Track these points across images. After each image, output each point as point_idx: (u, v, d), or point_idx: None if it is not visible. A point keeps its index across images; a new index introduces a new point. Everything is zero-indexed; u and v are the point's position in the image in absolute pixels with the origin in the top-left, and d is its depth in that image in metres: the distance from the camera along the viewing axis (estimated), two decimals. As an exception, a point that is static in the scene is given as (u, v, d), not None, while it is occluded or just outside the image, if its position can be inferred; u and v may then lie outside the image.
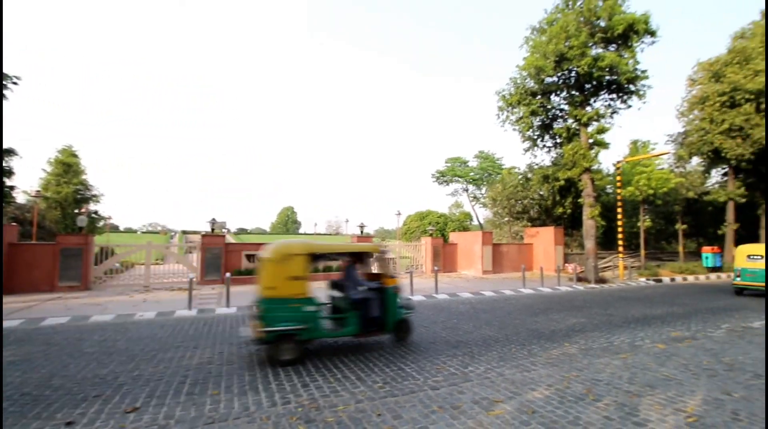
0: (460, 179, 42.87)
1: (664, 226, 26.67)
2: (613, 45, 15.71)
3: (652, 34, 15.19)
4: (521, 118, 17.79)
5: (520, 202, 24.41)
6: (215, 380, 4.73)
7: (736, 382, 4.68)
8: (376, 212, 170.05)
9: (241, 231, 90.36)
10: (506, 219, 25.48)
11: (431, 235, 21.83)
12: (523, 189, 24.06)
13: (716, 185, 26.67)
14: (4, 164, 15.14)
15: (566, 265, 20.08)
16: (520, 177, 25.14)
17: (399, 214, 36.26)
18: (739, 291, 12.75)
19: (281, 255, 5.47)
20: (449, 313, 9.22)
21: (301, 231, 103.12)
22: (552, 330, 7.52)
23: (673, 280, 17.63)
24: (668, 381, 4.70)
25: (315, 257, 5.89)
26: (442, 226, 39.21)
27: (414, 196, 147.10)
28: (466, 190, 43.68)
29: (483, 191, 41.36)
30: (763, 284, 11.60)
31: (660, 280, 17.10)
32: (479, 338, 6.84)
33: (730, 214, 22.88)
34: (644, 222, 22.44)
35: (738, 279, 12.61)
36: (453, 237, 22.14)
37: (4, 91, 12.65)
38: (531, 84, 17.26)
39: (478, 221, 42.89)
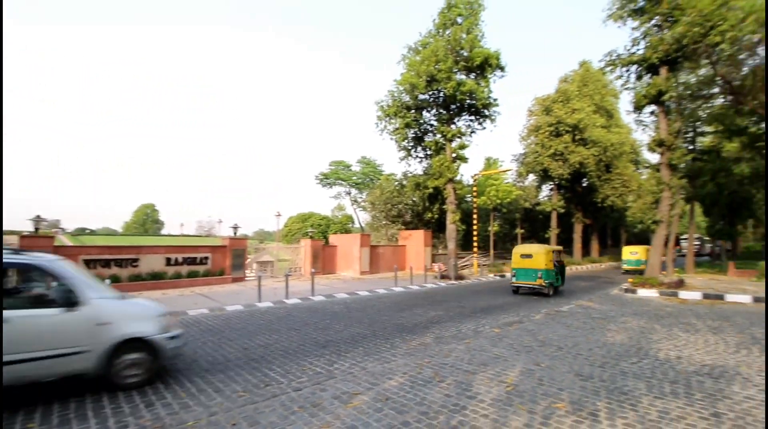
0: (343, 182, 43.64)
1: (509, 230, 31.78)
2: (473, 74, 18.13)
3: (502, 68, 18.04)
4: (397, 129, 19.12)
5: (396, 206, 26.10)
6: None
7: (545, 355, 5.89)
8: (256, 213, 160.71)
9: (80, 231, 74.90)
10: (383, 222, 26.90)
11: (312, 237, 21.71)
12: (398, 194, 25.79)
13: (545, 198, 33.01)
14: None
15: (433, 264, 22.23)
16: (396, 183, 26.91)
17: (279, 215, 35.00)
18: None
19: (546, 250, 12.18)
20: (323, 314, 9.33)
21: (163, 231, 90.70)
22: (414, 323, 8.27)
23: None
24: (497, 359, 5.65)
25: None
26: (324, 229, 39.19)
27: (297, 198, 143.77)
28: (349, 194, 44.65)
29: (364, 195, 42.90)
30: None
31: (503, 276, 20.27)
32: (348, 336, 7.11)
33: (553, 220, 28.52)
34: (493, 226, 26.35)
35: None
36: (333, 239, 22.42)
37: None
38: (406, 98, 18.71)
39: (359, 224, 44.22)
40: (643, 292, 13.00)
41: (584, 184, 29.50)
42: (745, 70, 13.90)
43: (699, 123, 19.09)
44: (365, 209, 30.85)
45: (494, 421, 3.63)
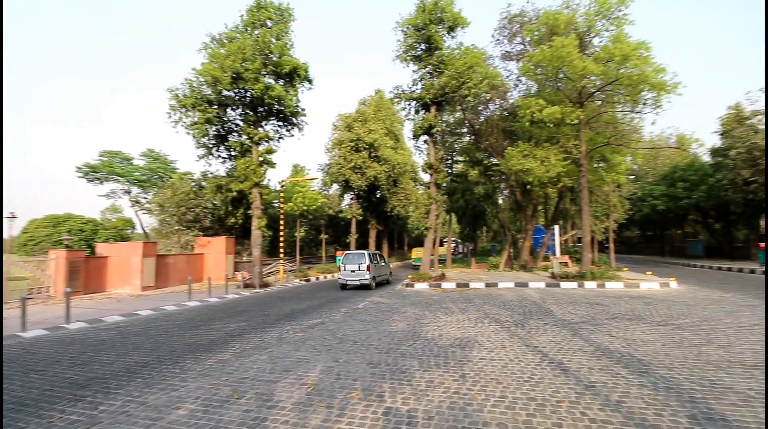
0: (120, 178, 35.81)
1: (314, 236, 33.10)
2: (282, 80, 18.16)
3: (310, 81, 18.77)
4: (196, 123, 17.13)
5: (192, 210, 23.19)
6: None
7: (342, 351, 6.40)
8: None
9: None
10: (176, 227, 23.46)
11: (69, 246, 16.79)
12: (196, 197, 23.03)
13: (347, 206, 36.03)
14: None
15: (236, 273, 20.84)
16: (193, 184, 23.97)
17: (13, 217, 25.70)
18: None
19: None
20: (83, 346, 7.35)
21: None
22: (211, 339, 7.55)
23: (317, 278, 22.07)
24: (300, 362, 5.80)
25: None
26: (89, 235, 31.08)
27: (44, 196, 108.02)
28: (129, 193, 37.00)
29: (150, 195, 36.36)
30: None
31: (309, 280, 20.93)
32: (122, 368, 5.85)
33: (353, 227, 31.39)
34: (300, 232, 26.91)
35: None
36: (102, 248, 17.99)
37: None
38: (208, 92, 17.02)
39: (143, 229, 37.18)
40: (418, 286, 15.85)
41: (378, 196, 33.75)
42: (482, 118, 19.13)
43: (454, 153, 24.97)
44: (151, 212, 26.12)
45: (294, 426, 3.71)
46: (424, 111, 18.50)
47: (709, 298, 11.40)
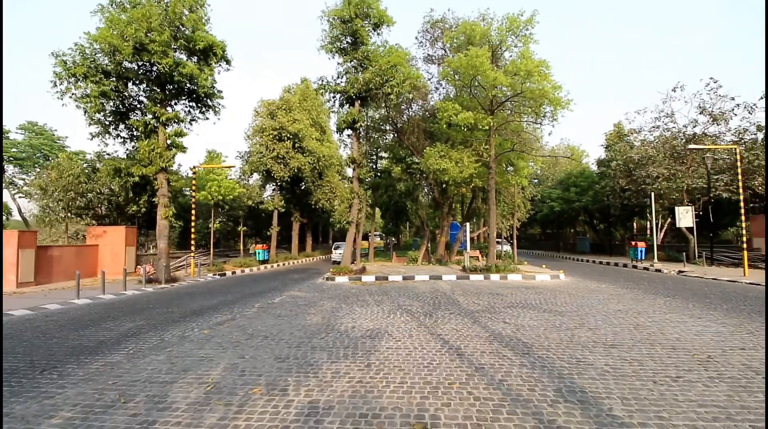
0: (-14, 155, 29.92)
1: (232, 228, 31.28)
2: (195, 57, 16.74)
3: (228, 62, 17.59)
4: (89, 95, 15.03)
5: (84, 195, 20.39)
6: None
7: (250, 347, 6.23)
8: None
9: None
10: (62, 215, 20.45)
11: None
12: (88, 180, 20.29)
13: (269, 197, 34.63)
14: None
15: (138, 267, 18.87)
16: (85, 165, 21.08)
17: None
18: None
19: None
20: (-75, 355, 6.11)
21: None
22: (100, 341, 6.80)
23: (234, 273, 20.94)
24: (202, 360, 5.52)
25: None
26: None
27: None
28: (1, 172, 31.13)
29: (31, 177, 31.19)
30: None
31: (224, 274, 19.78)
32: (-21, 378, 5.01)
33: (275, 219, 30.33)
34: (215, 224, 25.24)
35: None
36: (-41, 239, 14.95)
37: None
38: (105, 61, 15.03)
39: (21, 216, 31.83)
40: (339, 279, 15.95)
41: (302, 188, 32.99)
42: (405, 117, 19.76)
43: (379, 149, 25.45)
44: (31, 197, 22.41)
45: (187, 426, 3.56)
46: (348, 105, 18.51)
47: (587, 288, 13.28)
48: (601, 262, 25.82)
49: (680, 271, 18.71)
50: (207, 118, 18.14)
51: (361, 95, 17.67)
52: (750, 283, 14.33)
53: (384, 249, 38.95)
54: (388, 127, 21.23)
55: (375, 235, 49.18)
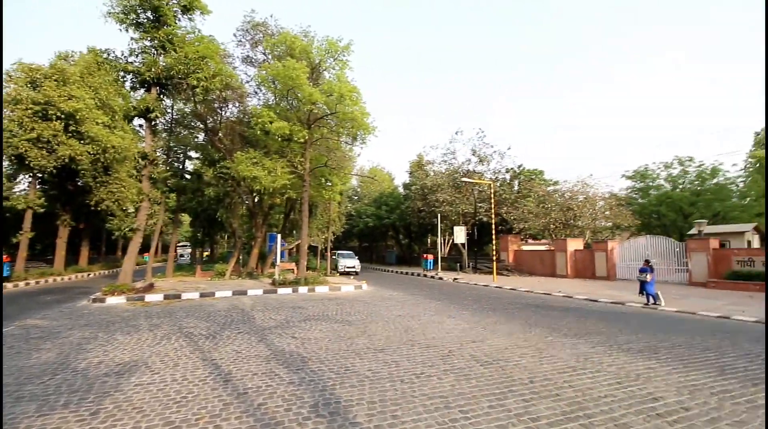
0: None
1: (-55, 232, 21.87)
2: None
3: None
4: None
5: None
6: None
7: None
8: None
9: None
10: None
11: None
12: None
13: (23, 192, 25.91)
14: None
15: None
16: None
17: None
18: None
19: None
20: None
21: None
22: None
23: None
24: None
25: None
26: None
27: None
28: None
29: None
30: None
31: None
32: None
33: (27, 222, 22.80)
34: None
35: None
36: None
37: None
38: None
39: None
40: (111, 300, 12.94)
41: (78, 183, 26.00)
42: (219, 117, 18.05)
43: (188, 148, 22.47)
44: None
45: None
46: (144, 90, 15.61)
47: (382, 296, 14.68)
48: (402, 272, 29.43)
49: (455, 279, 23.00)
50: None
51: (161, 81, 15.15)
52: (496, 287, 18.72)
53: (191, 262, 34.41)
54: (200, 125, 18.89)
55: (183, 246, 43.10)
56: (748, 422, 3.97)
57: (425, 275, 25.96)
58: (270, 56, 17.40)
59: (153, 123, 15.88)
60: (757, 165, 36.71)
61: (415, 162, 36.37)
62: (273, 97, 17.37)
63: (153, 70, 14.64)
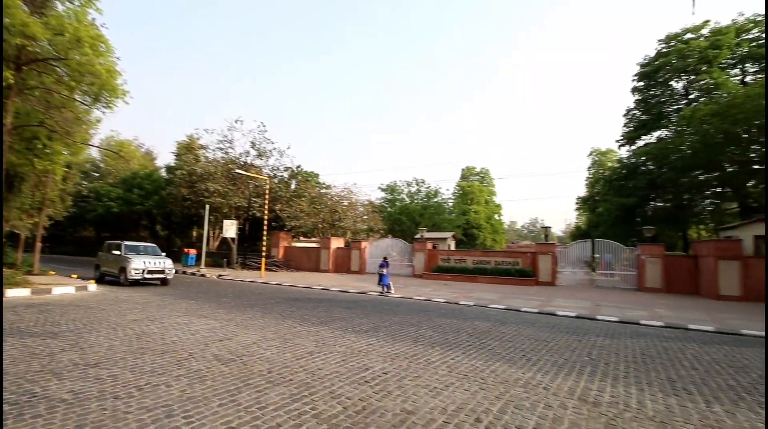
0: None
1: None
2: None
3: None
4: None
5: None
6: None
7: None
8: None
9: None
10: None
11: None
12: None
13: None
14: None
15: None
16: None
17: None
18: None
19: None
20: None
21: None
22: None
23: None
24: None
25: None
26: None
27: None
28: None
29: None
30: None
31: None
32: None
33: None
34: None
35: None
36: None
37: None
38: None
39: None
40: None
41: None
42: None
43: None
44: None
45: None
46: None
47: (116, 298, 12.06)
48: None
49: (219, 276, 21.51)
50: None
51: None
52: (263, 283, 18.63)
53: None
54: None
55: None
56: (422, 376, 5.38)
57: (184, 272, 23.06)
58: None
59: None
60: (461, 191, 51.49)
61: (185, 143, 31.97)
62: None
63: None
